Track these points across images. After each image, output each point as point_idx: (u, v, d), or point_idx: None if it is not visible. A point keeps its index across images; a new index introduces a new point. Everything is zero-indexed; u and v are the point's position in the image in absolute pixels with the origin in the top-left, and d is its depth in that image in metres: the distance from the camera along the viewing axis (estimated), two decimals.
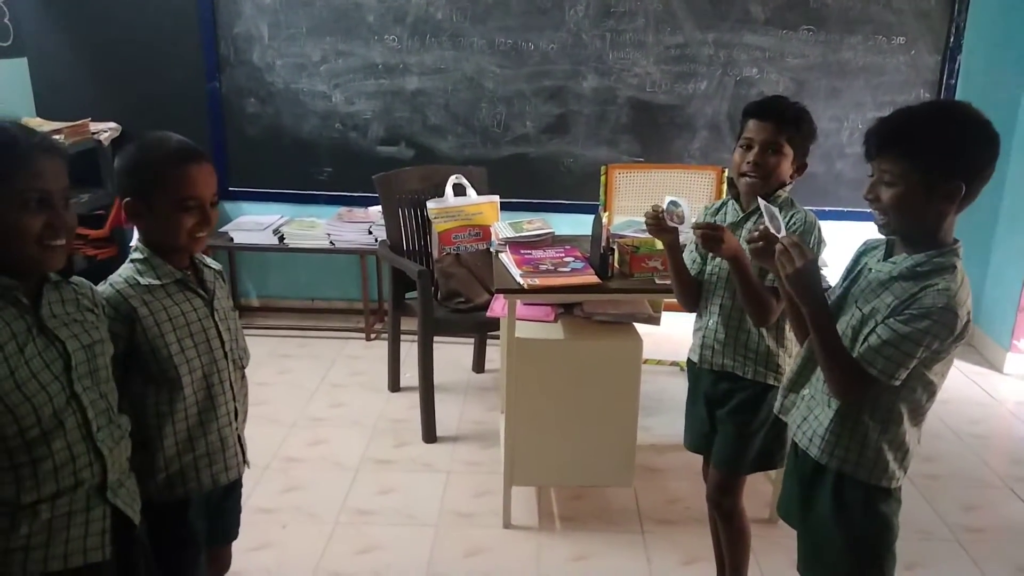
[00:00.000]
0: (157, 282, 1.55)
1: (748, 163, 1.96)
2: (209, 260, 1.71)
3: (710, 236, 1.87)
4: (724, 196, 3.55)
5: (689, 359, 2.17)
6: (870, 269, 1.59)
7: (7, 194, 1.21)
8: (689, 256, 2.13)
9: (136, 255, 1.58)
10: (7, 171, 1.21)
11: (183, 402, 1.57)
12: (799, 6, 3.94)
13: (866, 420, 1.54)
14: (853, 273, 1.64)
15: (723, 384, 2.07)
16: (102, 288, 1.53)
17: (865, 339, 1.50)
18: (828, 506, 1.61)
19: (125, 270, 1.57)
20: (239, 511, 1.81)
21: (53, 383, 1.28)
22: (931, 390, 1.54)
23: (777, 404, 1.77)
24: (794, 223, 1.95)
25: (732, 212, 2.07)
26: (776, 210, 1.63)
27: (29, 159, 1.23)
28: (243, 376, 1.75)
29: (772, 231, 1.59)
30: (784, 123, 1.95)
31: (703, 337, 2.09)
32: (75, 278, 1.42)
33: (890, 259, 1.55)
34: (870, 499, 1.58)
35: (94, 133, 3.87)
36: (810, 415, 1.64)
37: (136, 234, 1.61)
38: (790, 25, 3.97)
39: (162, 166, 1.52)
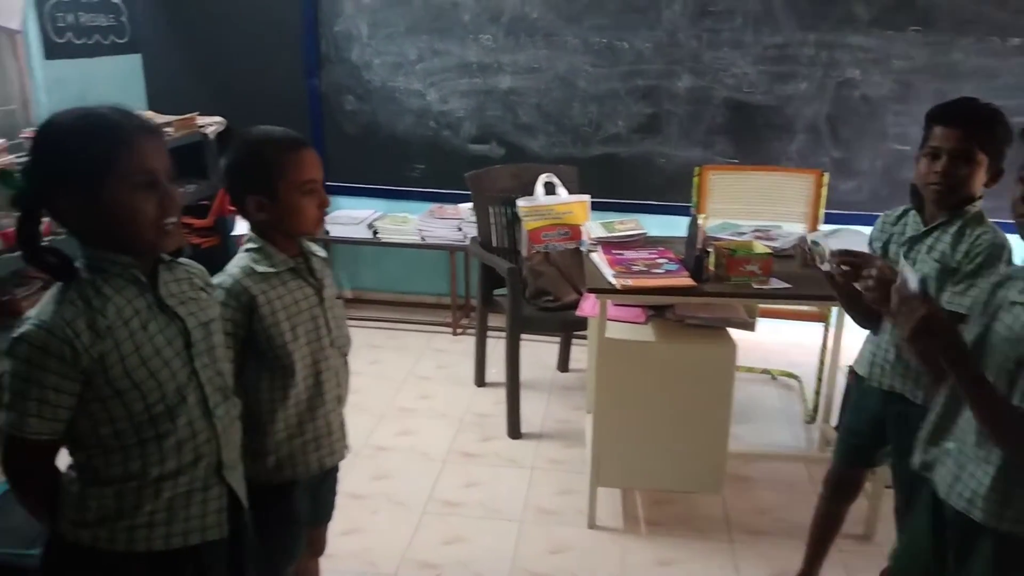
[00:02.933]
0: (272, 270, 1.60)
1: (935, 173, 1.79)
2: (316, 248, 1.75)
3: (849, 272, 1.68)
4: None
5: (857, 372, 2.06)
6: (1012, 303, 1.37)
7: (118, 177, 1.21)
8: None
9: (251, 244, 1.62)
10: (115, 155, 1.20)
11: (295, 388, 1.61)
12: (906, 6, 3.78)
13: None
14: (991, 308, 1.42)
15: (894, 407, 1.95)
16: (222, 278, 1.57)
17: None
18: (987, 570, 1.40)
19: (242, 259, 1.61)
20: (335, 494, 1.87)
21: (175, 359, 1.30)
22: None
23: (916, 459, 1.54)
24: (978, 245, 1.78)
25: (913, 224, 1.92)
26: (912, 273, 1.36)
27: (133, 141, 1.23)
28: (345, 363, 1.78)
29: (909, 289, 1.36)
30: (975, 128, 1.76)
31: (873, 354, 1.98)
32: (184, 259, 1.43)
33: None
34: None
35: (201, 127, 4.04)
36: (963, 473, 1.41)
37: (238, 224, 1.65)
38: (896, 26, 3.82)
39: (280, 157, 1.57)
